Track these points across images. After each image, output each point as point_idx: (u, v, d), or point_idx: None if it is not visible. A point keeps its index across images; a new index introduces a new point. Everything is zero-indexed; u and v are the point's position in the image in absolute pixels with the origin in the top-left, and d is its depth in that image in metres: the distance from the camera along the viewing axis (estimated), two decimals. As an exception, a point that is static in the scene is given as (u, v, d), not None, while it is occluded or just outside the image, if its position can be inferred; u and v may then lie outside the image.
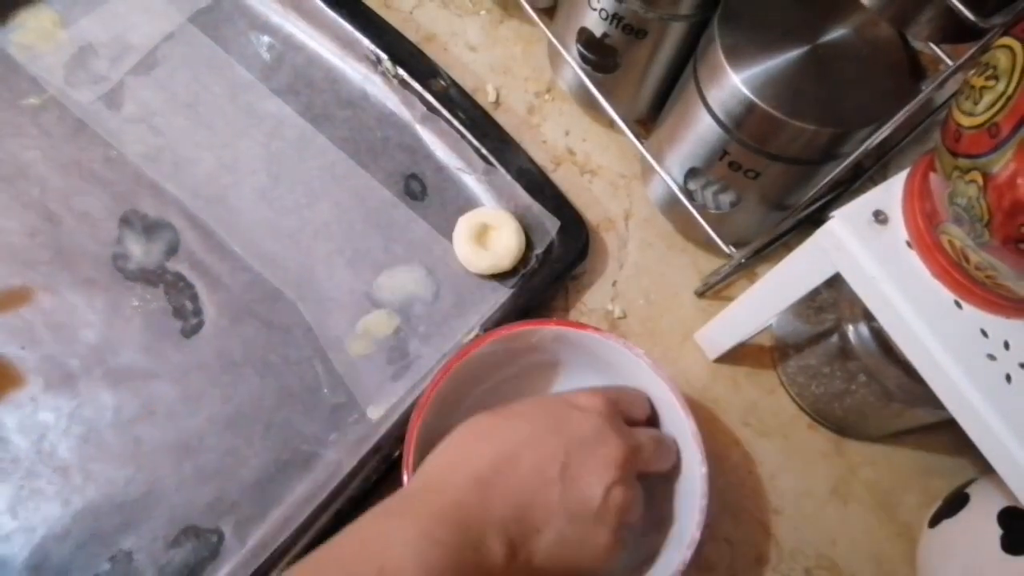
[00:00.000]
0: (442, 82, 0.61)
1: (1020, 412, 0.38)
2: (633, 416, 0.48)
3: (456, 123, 0.60)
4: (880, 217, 0.41)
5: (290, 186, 0.58)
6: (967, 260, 0.38)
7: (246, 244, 0.56)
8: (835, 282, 0.44)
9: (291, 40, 0.63)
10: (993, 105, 0.34)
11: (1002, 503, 0.48)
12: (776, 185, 0.53)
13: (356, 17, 0.62)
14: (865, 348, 0.51)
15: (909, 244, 0.41)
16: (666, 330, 0.60)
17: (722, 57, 0.47)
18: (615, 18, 0.53)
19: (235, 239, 0.56)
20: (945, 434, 0.57)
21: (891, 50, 0.49)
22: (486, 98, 0.64)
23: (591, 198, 0.62)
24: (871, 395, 0.53)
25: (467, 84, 0.62)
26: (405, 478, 0.45)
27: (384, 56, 0.61)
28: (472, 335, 0.54)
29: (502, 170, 0.59)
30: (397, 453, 0.49)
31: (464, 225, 0.57)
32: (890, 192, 0.42)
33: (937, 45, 0.42)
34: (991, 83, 0.34)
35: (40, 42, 0.60)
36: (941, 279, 0.40)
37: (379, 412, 0.53)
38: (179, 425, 0.51)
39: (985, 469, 0.42)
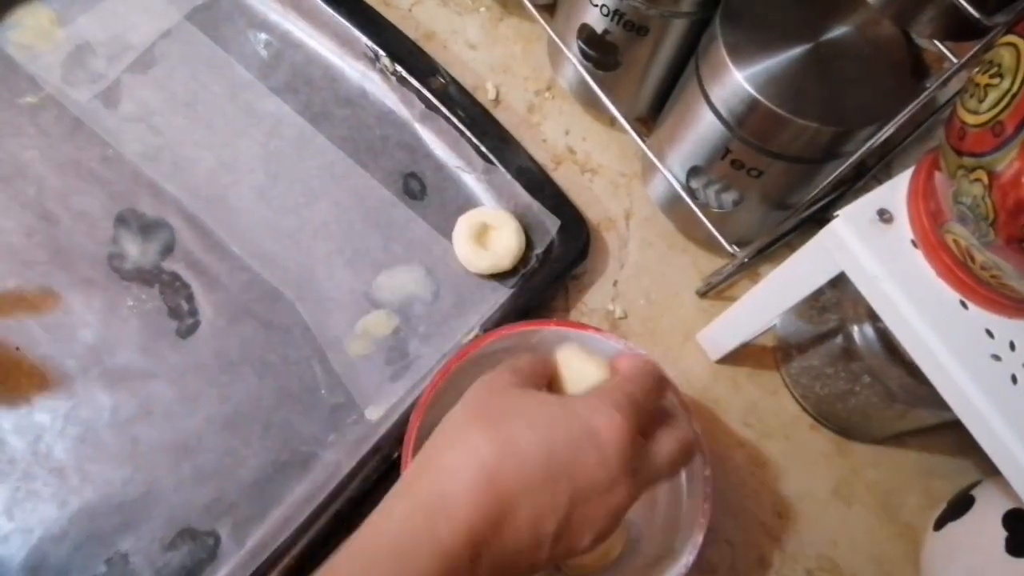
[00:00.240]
0: (441, 80, 0.61)
1: (1025, 413, 0.38)
2: (649, 407, 0.41)
3: (456, 121, 0.59)
4: (884, 216, 0.41)
5: (289, 185, 0.58)
6: (972, 260, 0.38)
7: (245, 244, 0.56)
8: (839, 282, 0.43)
9: (289, 38, 0.62)
10: (998, 103, 0.33)
11: (1007, 505, 0.47)
12: (779, 184, 0.52)
13: (355, 15, 0.62)
14: (869, 349, 0.51)
15: (914, 243, 0.41)
16: (667, 330, 0.59)
17: (725, 54, 0.47)
18: (616, 15, 0.53)
19: (233, 239, 0.56)
20: (948, 435, 0.57)
21: (894, 48, 0.49)
22: (486, 96, 0.64)
23: (591, 197, 0.62)
24: (875, 396, 0.52)
25: (467, 82, 0.62)
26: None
27: (383, 54, 0.60)
28: (472, 335, 0.53)
29: (502, 169, 0.58)
30: (396, 454, 0.49)
31: (464, 225, 0.57)
32: (894, 191, 0.42)
33: (941, 43, 0.42)
34: (995, 81, 0.34)
35: (38, 40, 0.59)
36: (946, 279, 0.40)
37: (378, 413, 0.52)
38: (176, 425, 0.51)
39: (989, 471, 0.42)
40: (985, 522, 0.48)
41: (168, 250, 0.55)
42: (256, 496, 0.50)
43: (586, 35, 0.57)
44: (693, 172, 0.55)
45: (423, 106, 0.60)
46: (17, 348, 0.51)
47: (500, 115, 0.61)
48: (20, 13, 0.60)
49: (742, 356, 0.59)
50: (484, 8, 0.68)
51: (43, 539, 0.47)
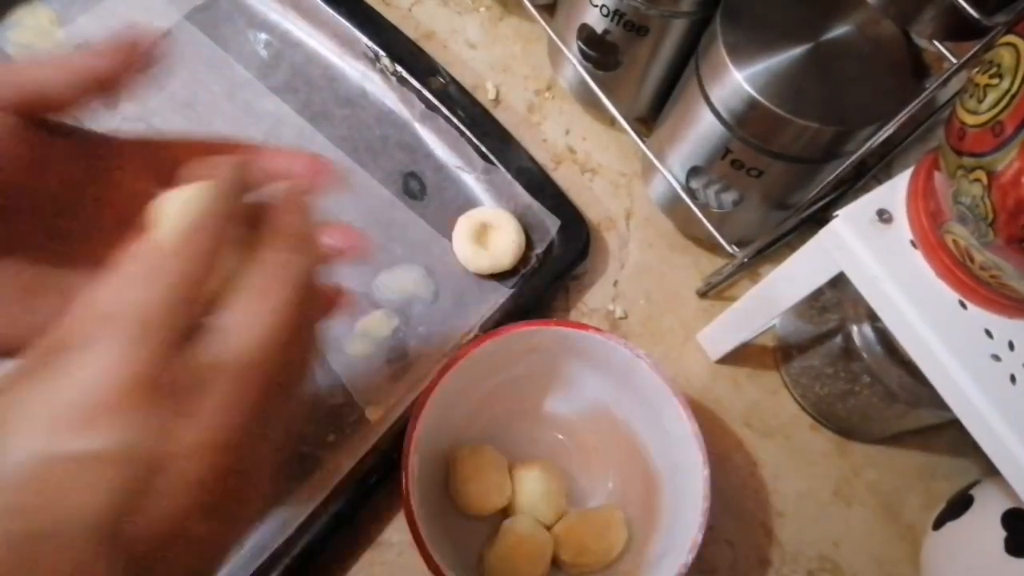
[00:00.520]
0: (441, 80, 0.61)
1: (1024, 413, 0.38)
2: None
3: (455, 121, 0.59)
4: (884, 216, 0.41)
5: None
6: (971, 260, 0.38)
7: (244, 243, 0.56)
8: (839, 282, 0.43)
9: (289, 37, 0.62)
10: (997, 103, 0.33)
11: (1006, 505, 0.47)
12: (779, 184, 0.52)
13: (355, 14, 0.62)
14: (869, 349, 0.51)
15: (913, 243, 0.41)
16: (667, 330, 0.59)
17: (725, 54, 0.47)
18: (616, 15, 0.53)
19: (233, 238, 0.56)
20: (949, 435, 0.57)
21: (894, 48, 0.49)
22: (486, 96, 0.64)
23: (592, 197, 0.62)
24: (874, 396, 0.52)
25: (467, 82, 0.62)
26: (404, 479, 0.44)
27: (383, 53, 0.60)
28: (472, 335, 0.53)
29: (502, 169, 0.58)
30: (396, 454, 0.49)
31: (464, 224, 0.57)
32: (894, 191, 0.42)
33: (940, 43, 0.42)
34: (995, 81, 0.34)
35: (38, 40, 0.59)
36: (945, 279, 0.40)
37: (378, 413, 0.52)
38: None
39: (989, 471, 0.42)
40: (984, 522, 0.48)
41: (168, 250, 0.55)
42: (256, 496, 0.50)
43: (586, 35, 0.57)
44: (693, 172, 0.55)
45: (423, 106, 0.60)
46: None
47: (500, 115, 0.61)
48: (20, 13, 0.60)
49: (742, 356, 0.59)
50: (484, 8, 0.68)
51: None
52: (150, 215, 0.28)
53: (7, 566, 0.21)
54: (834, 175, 0.47)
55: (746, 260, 0.56)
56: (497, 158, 0.59)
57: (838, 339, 0.53)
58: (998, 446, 0.38)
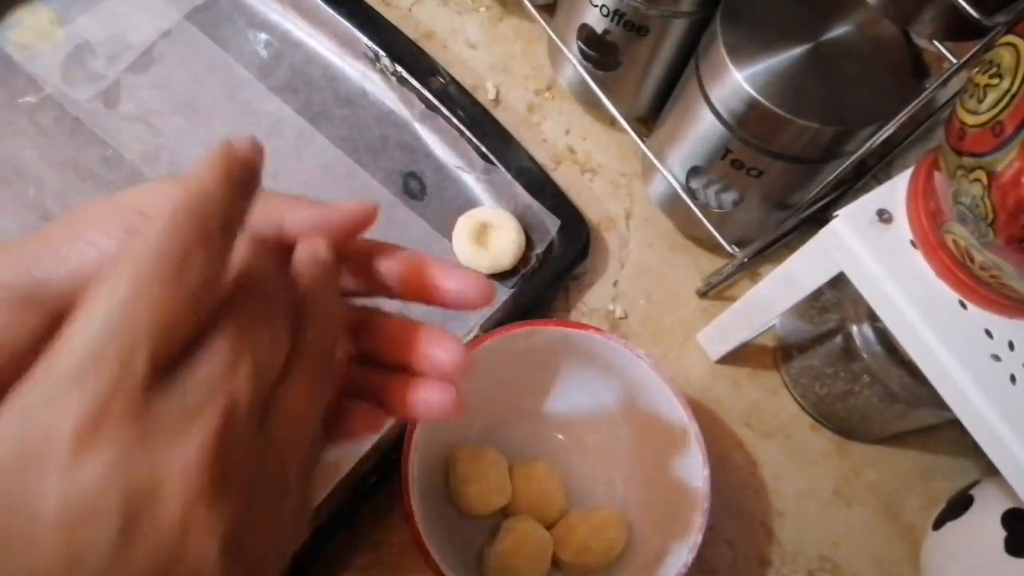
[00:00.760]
0: (441, 80, 0.61)
1: (1024, 413, 0.38)
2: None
3: (455, 121, 0.59)
4: (884, 216, 0.41)
5: (288, 185, 0.58)
6: (971, 260, 0.38)
7: (244, 243, 0.56)
8: (839, 282, 0.43)
9: (289, 37, 0.62)
10: (997, 103, 0.33)
11: (1006, 505, 0.47)
12: (779, 184, 0.52)
13: (354, 14, 0.61)
14: (869, 349, 0.51)
15: (913, 243, 0.41)
16: (667, 330, 0.59)
17: (725, 54, 0.47)
18: (616, 15, 0.53)
19: (233, 238, 0.56)
20: (948, 435, 0.57)
21: (894, 48, 0.49)
22: (486, 96, 0.64)
23: (592, 197, 0.62)
24: (874, 396, 0.52)
25: (467, 82, 0.62)
26: (404, 479, 0.44)
27: (383, 53, 0.60)
28: (472, 335, 0.53)
29: (502, 169, 0.58)
30: (396, 454, 0.49)
31: (464, 224, 0.57)
32: (894, 191, 0.42)
33: (940, 43, 0.42)
34: (995, 81, 0.34)
35: (37, 40, 0.59)
36: (945, 279, 0.40)
37: (378, 413, 0.52)
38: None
39: (989, 471, 0.42)
40: (984, 522, 0.48)
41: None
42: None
43: (586, 35, 0.57)
44: (693, 172, 0.55)
45: (423, 106, 0.60)
46: None
47: (500, 115, 0.61)
48: (20, 13, 0.60)
49: (742, 356, 0.59)
50: (484, 8, 0.68)
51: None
52: None
53: None
54: (834, 175, 0.47)
55: (746, 260, 0.56)
56: (497, 158, 0.59)
57: (838, 339, 0.53)
58: (998, 446, 0.38)
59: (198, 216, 0.22)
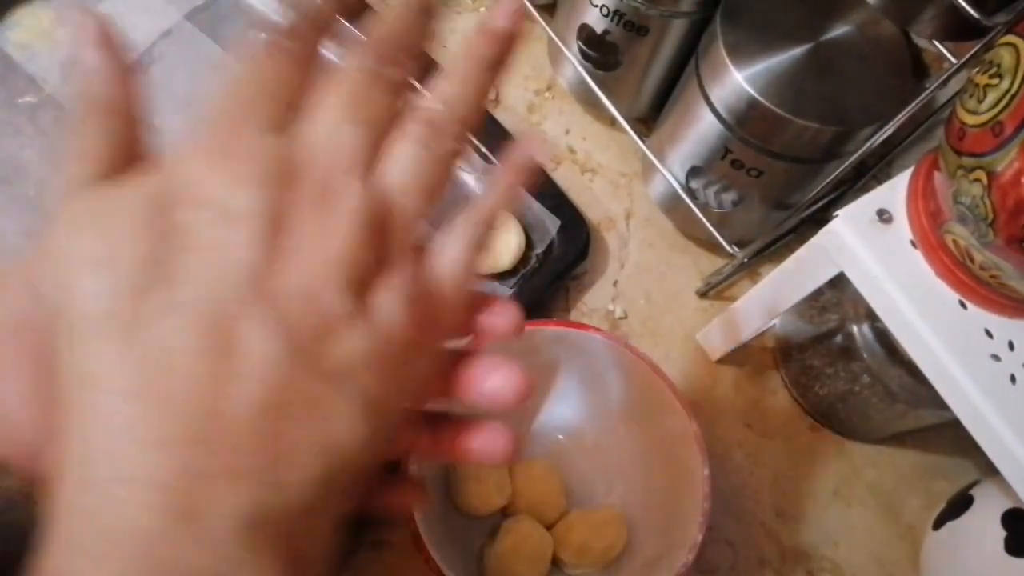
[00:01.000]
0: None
1: (1024, 413, 0.38)
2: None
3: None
4: (884, 216, 0.41)
5: (289, 185, 0.58)
6: (971, 260, 0.38)
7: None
8: (838, 282, 0.43)
9: (290, 38, 0.62)
10: (997, 103, 0.33)
11: (1006, 505, 0.47)
12: (779, 184, 0.52)
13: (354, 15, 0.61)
14: (869, 349, 0.51)
15: (913, 244, 0.40)
16: (667, 330, 0.59)
17: (725, 54, 0.47)
18: (616, 15, 0.53)
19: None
20: (948, 435, 0.57)
21: (894, 48, 0.49)
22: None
23: (592, 197, 0.62)
24: (874, 396, 0.52)
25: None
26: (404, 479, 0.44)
27: (383, 54, 0.60)
28: (472, 337, 0.53)
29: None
30: (396, 454, 0.49)
31: (464, 224, 0.57)
32: (894, 191, 0.42)
33: (940, 43, 0.42)
34: (995, 81, 0.34)
35: (37, 40, 0.59)
36: (945, 279, 0.40)
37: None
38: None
39: (989, 471, 0.42)
40: (984, 521, 0.48)
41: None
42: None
43: (586, 35, 0.57)
44: (693, 172, 0.55)
45: (423, 106, 0.60)
46: None
47: (500, 115, 0.61)
48: (20, 13, 0.60)
49: (742, 356, 0.59)
50: (484, 8, 0.68)
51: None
52: None
53: None
54: (834, 175, 0.47)
55: (746, 260, 0.56)
56: (497, 158, 0.59)
57: (838, 339, 0.53)
58: (998, 446, 0.38)
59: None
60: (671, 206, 0.60)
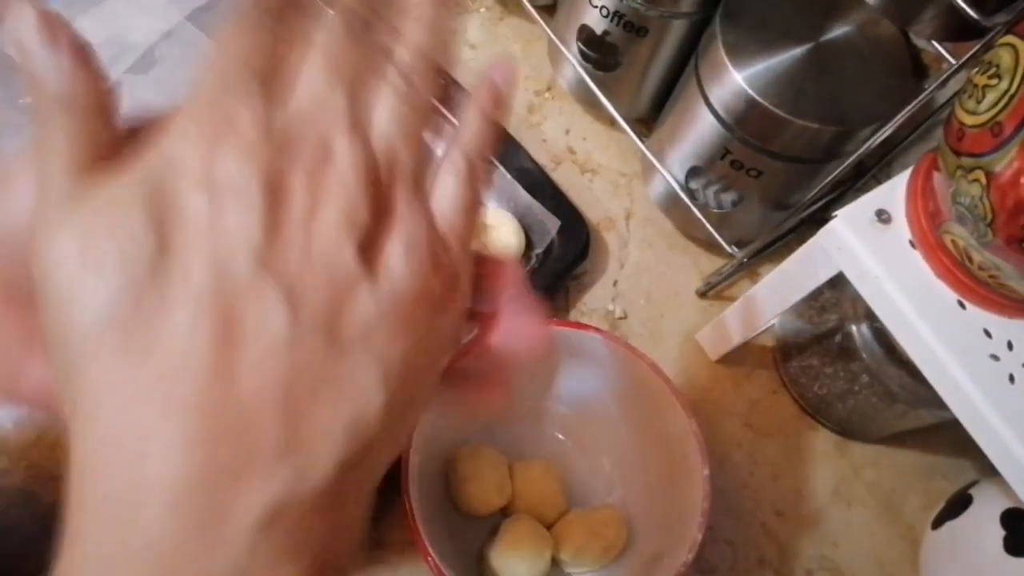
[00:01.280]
0: (441, 80, 0.61)
1: (1023, 413, 0.38)
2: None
3: (455, 121, 0.59)
4: (883, 216, 0.41)
5: (289, 185, 0.58)
6: (970, 260, 0.38)
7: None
8: (838, 282, 0.43)
9: (290, 39, 0.62)
10: (996, 104, 0.33)
11: (1005, 504, 0.47)
12: (778, 184, 0.52)
13: (355, 15, 0.61)
14: (868, 348, 0.51)
15: (912, 244, 0.41)
16: (667, 330, 0.59)
17: (724, 55, 0.47)
18: (616, 16, 0.53)
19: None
20: (948, 435, 0.57)
21: (893, 48, 0.49)
22: (486, 96, 0.64)
23: (592, 197, 0.62)
24: (874, 396, 0.52)
25: (467, 82, 0.62)
26: (404, 479, 0.44)
27: (383, 54, 0.60)
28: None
29: (502, 169, 0.58)
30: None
31: (464, 224, 0.57)
32: (893, 191, 0.42)
33: (939, 43, 0.42)
34: (994, 81, 0.34)
35: (38, 41, 0.59)
36: (944, 279, 0.40)
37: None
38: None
39: (988, 470, 0.42)
40: (983, 521, 0.48)
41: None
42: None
43: (586, 36, 0.57)
44: (692, 172, 0.55)
45: (423, 106, 0.60)
46: None
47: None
48: (21, 14, 0.60)
49: (742, 356, 0.59)
50: (484, 8, 0.68)
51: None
52: None
53: None
54: (833, 175, 0.47)
55: (746, 260, 0.56)
56: (497, 158, 0.59)
57: (837, 339, 0.53)
58: (997, 446, 0.38)
59: None
60: (671, 206, 0.60)
